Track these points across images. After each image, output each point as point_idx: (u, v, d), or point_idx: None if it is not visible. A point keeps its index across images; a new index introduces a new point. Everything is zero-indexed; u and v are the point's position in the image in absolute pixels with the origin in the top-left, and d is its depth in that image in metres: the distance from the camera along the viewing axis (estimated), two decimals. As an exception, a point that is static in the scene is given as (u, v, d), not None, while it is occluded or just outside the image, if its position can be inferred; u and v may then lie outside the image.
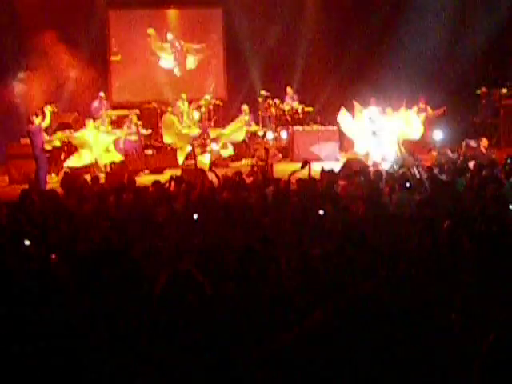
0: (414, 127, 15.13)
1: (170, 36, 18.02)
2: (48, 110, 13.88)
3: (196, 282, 3.04)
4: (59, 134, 15.13)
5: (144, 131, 15.86)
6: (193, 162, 14.89)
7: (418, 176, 10.93)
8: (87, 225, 8.28)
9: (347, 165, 12.41)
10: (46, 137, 14.42)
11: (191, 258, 5.80)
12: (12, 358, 2.57)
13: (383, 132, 14.51)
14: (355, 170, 11.44)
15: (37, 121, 13.63)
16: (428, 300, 3.92)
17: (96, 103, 16.23)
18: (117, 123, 15.90)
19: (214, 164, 14.17)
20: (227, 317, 2.82)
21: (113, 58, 17.85)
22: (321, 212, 8.01)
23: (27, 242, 7.43)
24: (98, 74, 17.38)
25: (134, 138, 15.65)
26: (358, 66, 17.10)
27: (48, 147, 14.56)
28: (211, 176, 11.36)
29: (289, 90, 16.77)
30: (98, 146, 14.70)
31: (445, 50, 17.30)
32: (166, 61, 18.14)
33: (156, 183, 10.81)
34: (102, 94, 16.39)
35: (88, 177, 12.96)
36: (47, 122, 13.81)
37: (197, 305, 2.88)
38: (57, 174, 14.56)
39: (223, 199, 9.33)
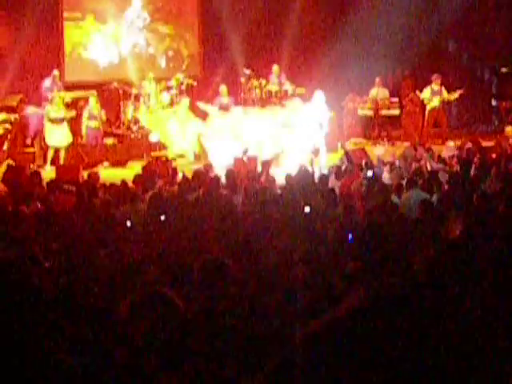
0: None
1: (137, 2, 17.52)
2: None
3: (167, 301, 3.16)
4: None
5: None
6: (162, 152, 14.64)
7: (429, 169, 10.74)
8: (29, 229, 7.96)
9: (348, 157, 12.14)
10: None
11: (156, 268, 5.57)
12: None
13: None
14: (359, 163, 11.22)
15: None
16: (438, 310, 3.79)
17: (48, 82, 15.61)
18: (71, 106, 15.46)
19: None
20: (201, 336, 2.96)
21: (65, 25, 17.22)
22: (307, 209, 7.76)
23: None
24: (47, 48, 16.87)
25: (94, 124, 15.25)
26: (356, 40, 16.88)
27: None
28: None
29: (275, 68, 16.43)
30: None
31: (461, 28, 17.28)
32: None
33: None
34: (56, 71, 15.87)
35: (35, 170, 12.63)
36: None
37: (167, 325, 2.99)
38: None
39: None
